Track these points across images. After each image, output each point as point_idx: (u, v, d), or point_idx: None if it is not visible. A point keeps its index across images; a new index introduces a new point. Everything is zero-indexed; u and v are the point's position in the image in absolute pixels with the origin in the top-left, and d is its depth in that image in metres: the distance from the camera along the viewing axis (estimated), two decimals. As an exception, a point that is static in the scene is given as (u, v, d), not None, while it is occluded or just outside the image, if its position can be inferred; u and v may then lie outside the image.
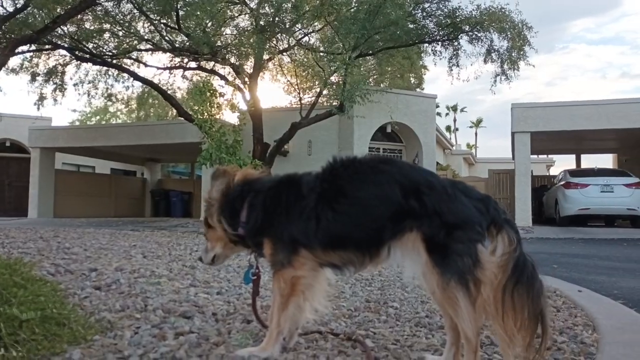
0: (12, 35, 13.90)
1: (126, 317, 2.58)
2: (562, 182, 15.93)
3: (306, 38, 16.59)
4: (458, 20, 14.62)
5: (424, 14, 14.93)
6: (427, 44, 15.88)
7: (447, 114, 59.77)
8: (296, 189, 2.13)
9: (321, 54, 15.82)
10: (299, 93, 16.17)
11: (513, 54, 14.85)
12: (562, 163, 54.13)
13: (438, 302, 2.06)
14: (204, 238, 2.43)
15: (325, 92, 15.24)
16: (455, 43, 15.45)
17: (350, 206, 2.03)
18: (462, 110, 62.09)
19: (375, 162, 2.15)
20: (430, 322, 2.86)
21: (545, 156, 29.76)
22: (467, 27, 14.76)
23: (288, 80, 17.26)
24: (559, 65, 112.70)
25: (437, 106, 28.22)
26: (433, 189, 1.98)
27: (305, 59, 16.52)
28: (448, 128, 57.12)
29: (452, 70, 15.74)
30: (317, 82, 15.48)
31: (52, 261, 4.32)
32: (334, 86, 14.55)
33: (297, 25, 15.24)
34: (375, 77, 18.66)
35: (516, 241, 1.89)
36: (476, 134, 62.29)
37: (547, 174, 26.31)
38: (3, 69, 14.43)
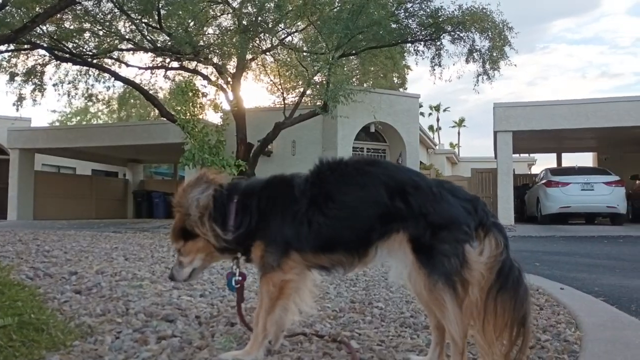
0: (-10, 35, 13.66)
1: (107, 321, 2.53)
2: (543, 181, 16.13)
3: (289, 38, 16.60)
4: (440, 20, 14.72)
5: (407, 14, 15.01)
6: (409, 44, 15.96)
7: (430, 114, 60.25)
8: (290, 191, 2.11)
9: (304, 53, 15.82)
10: (283, 93, 16.15)
11: (494, 54, 14.99)
12: (544, 162, 54.91)
13: (423, 303, 2.06)
14: (177, 253, 2.25)
15: (308, 92, 15.24)
16: (438, 43, 15.56)
17: (339, 210, 2.03)
18: (445, 110, 62.64)
19: (360, 163, 2.14)
20: (415, 322, 2.85)
21: (526, 155, 30.11)
22: (449, 27, 14.87)
23: (271, 80, 17.25)
24: (540, 65, 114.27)
25: (420, 106, 28.39)
26: (418, 188, 1.98)
27: (288, 59, 16.50)
28: (431, 127, 57.53)
29: (434, 70, 15.87)
30: (300, 82, 15.47)
31: (31, 265, 4.24)
32: (318, 86, 14.55)
33: (280, 25, 15.22)
34: (358, 77, 18.70)
35: (503, 245, 1.89)
36: (459, 133, 62.88)
37: (529, 173, 26.63)
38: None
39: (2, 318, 1.92)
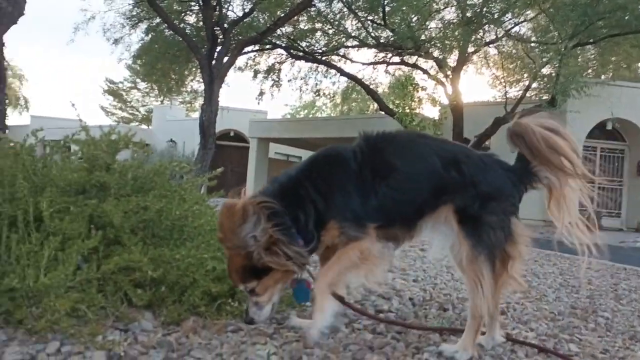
0: (240, 37, 15.82)
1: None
2: None
3: (516, 28, 15.69)
4: None
5: (663, -6, 12.98)
6: (664, 29, 13.78)
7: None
8: (345, 164, 1.99)
9: (532, 44, 14.82)
10: (505, 86, 15.41)
11: None
12: None
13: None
14: (250, 294, 1.93)
15: (534, 85, 14.27)
16: None
17: (404, 182, 1.97)
18: None
19: (412, 135, 2.23)
20: (648, 338, 2.57)
21: None
22: None
23: (493, 74, 16.56)
24: None
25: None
26: (469, 157, 1.97)
27: (514, 51, 15.63)
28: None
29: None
30: (525, 75, 14.56)
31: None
32: (545, 79, 13.54)
33: (506, 15, 14.50)
34: (595, 68, 16.83)
35: None
36: None
37: None
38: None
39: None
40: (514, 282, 2.02)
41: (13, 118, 35.75)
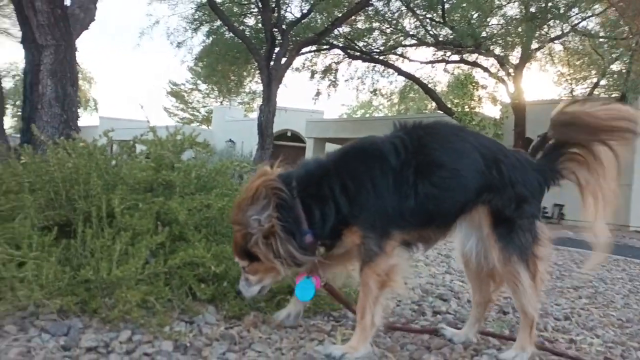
0: (298, 38, 15.99)
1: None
2: None
3: (583, 23, 15.03)
4: None
5: None
6: None
7: None
8: (383, 161, 1.83)
9: (600, 40, 14.16)
10: (571, 84, 14.81)
11: None
12: None
13: (475, 277, 2.09)
14: (243, 270, 1.97)
15: (603, 82, 13.64)
16: None
17: (450, 180, 1.86)
18: None
19: (454, 128, 2.06)
20: None
21: None
22: None
23: (558, 71, 15.94)
24: None
25: None
26: (507, 156, 1.89)
27: (580, 46, 14.98)
28: None
29: None
30: (593, 72, 13.93)
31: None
32: (615, 75, 12.90)
33: (573, 10, 13.92)
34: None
35: None
36: None
37: None
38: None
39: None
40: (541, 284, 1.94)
41: (83, 119, 37.78)
